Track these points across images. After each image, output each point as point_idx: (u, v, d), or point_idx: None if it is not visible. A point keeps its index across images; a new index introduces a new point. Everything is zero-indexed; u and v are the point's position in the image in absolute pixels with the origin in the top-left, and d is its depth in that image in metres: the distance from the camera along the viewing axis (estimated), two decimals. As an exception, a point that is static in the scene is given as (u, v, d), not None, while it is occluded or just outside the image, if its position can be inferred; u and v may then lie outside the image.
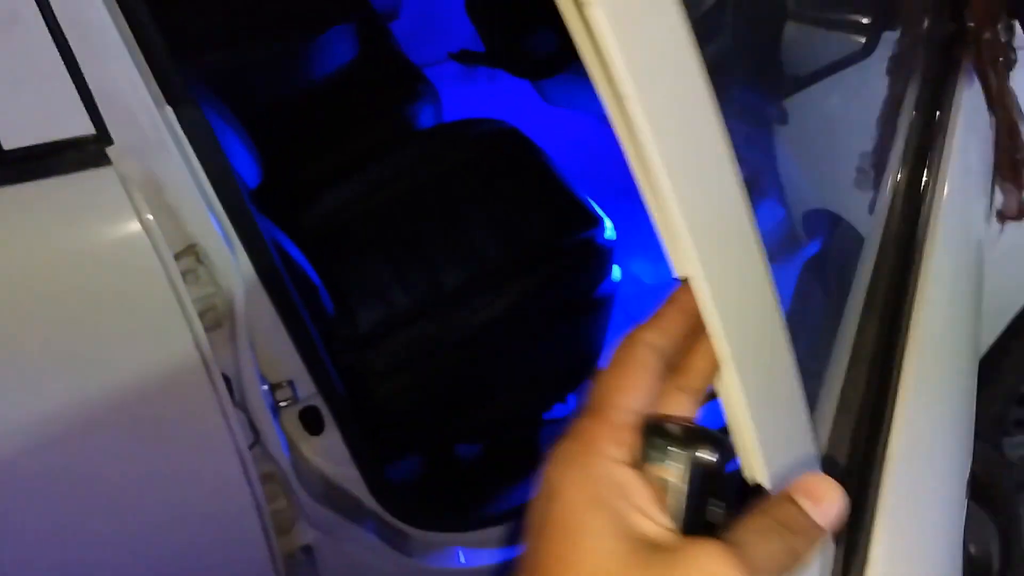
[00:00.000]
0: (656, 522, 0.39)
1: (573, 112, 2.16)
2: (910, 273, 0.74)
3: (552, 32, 1.40)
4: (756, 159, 1.17)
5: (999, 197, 0.97)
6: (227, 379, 0.95)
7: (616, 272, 1.45)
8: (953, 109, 0.88)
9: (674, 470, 0.40)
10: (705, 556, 0.38)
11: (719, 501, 0.40)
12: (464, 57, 1.79)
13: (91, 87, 0.79)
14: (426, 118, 1.79)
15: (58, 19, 0.77)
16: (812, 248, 1.19)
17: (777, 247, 1.17)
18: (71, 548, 0.94)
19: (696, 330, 0.42)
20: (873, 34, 1.00)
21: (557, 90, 1.79)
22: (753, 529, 0.39)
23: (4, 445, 0.84)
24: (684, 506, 0.39)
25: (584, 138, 2.13)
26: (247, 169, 1.40)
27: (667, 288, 0.43)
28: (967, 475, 0.72)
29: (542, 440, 1.58)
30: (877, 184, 0.86)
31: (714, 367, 0.43)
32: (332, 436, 1.12)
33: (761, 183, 1.18)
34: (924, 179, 0.82)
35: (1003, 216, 0.98)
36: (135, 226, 0.81)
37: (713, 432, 0.41)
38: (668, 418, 0.42)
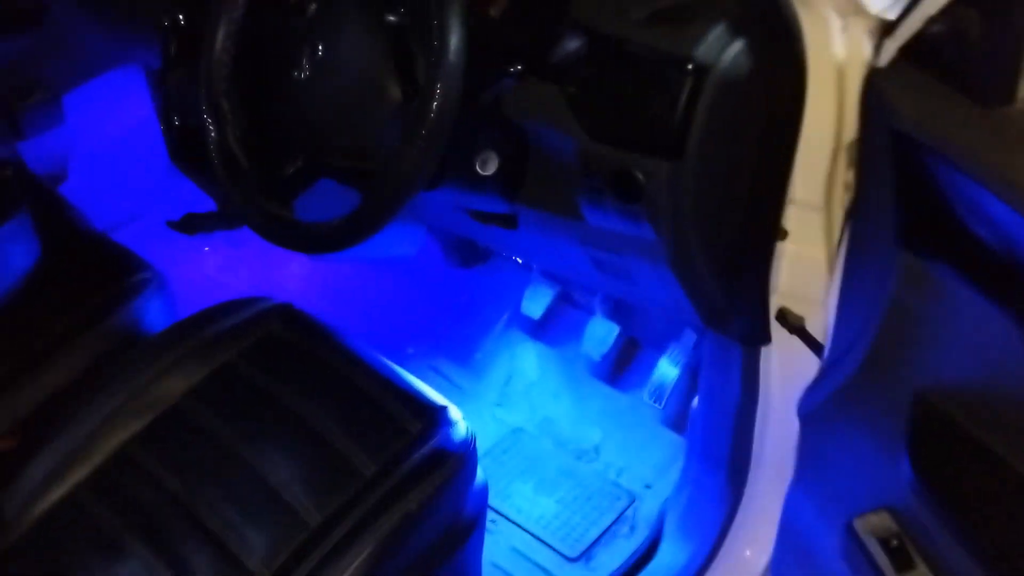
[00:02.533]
0: None
1: (343, 263, 1.79)
2: None
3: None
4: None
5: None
6: None
7: (480, 475, 1.09)
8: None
9: None
10: None
11: None
12: (191, 225, 1.35)
13: None
14: (156, 315, 1.33)
15: None
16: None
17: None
18: None
19: None
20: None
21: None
22: None
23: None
24: None
25: (377, 289, 1.76)
26: None
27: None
28: None
29: None
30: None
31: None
32: None
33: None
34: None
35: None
36: None
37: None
38: None
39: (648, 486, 1.47)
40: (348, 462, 1.04)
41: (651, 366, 1.53)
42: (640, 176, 0.93)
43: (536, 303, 1.62)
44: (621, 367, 1.59)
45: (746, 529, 1.27)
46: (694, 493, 1.32)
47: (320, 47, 0.96)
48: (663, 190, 0.93)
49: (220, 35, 1.03)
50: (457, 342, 1.73)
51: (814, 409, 1.01)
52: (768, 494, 1.24)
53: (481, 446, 1.61)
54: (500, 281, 1.74)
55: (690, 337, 1.47)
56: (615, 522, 1.42)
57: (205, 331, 1.22)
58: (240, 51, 1.05)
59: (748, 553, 1.25)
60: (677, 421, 1.50)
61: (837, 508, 0.97)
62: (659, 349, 1.52)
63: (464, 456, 1.05)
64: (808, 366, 1.16)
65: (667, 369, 1.47)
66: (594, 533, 1.40)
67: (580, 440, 1.56)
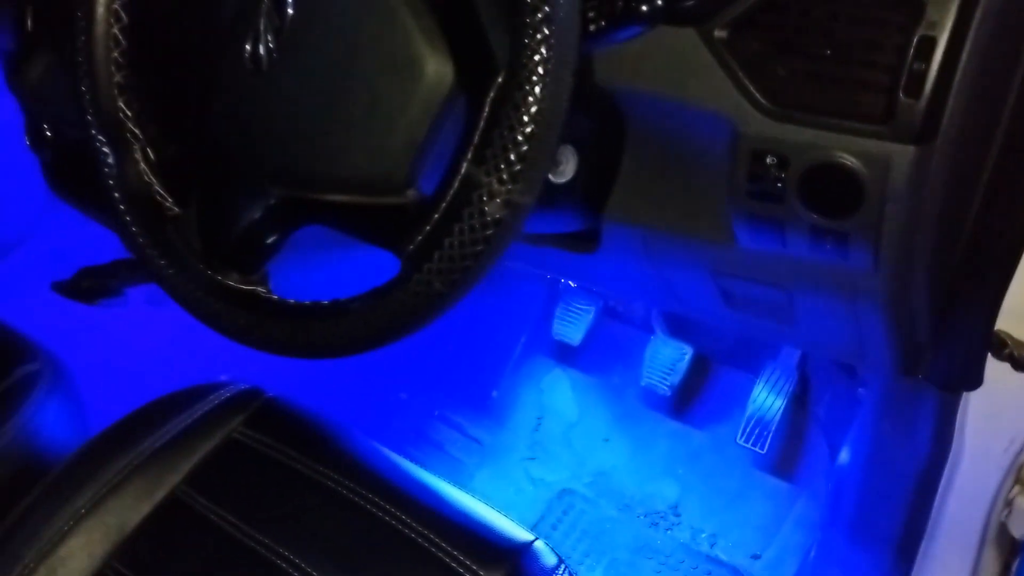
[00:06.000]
0: None
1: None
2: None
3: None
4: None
5: None
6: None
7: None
8: None
9: None
10: None
11: None
12: (89, 287, 0.91)
13: None
14: (56, 423, 0.90)
15: None
16: None
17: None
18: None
19: None
20: None
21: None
22: None
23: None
24: None
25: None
26: None
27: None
28: None
29: None
30: None
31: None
32: None
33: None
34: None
35: None
36: None
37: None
38: None
39: (755, 556, 1.12)
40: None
41: (737, 394, 1.17)
42: (864, 172, 0.56)
43: (574, 325, 1.23)
44: (692, 397, 1.23)
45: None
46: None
47: (290, 7, 0.54)
48: (903, 193, 0.56)
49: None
50: (464, 379, 1.34)
51: None
52: (945, 573, 0.92)
53: (520, 520, 1.24)
54: (510, 294, 1.35)
55: (791, 354, 1.12)
56: (726, 616, 1.07)
57: (133, 451, 0.82)
58: (139, 20, 0.63)
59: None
60: (780, 465, 1.16)
61: None
62: (748, 371, 1.16)
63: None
64: (1018, 410, 0.84)
65: (765, 399, 1.12)
66: (703, 637, 1.05)
67: (652, 499, 1.19)
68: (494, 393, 1.33)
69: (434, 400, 1.33)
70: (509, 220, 0.47)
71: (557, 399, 1.31)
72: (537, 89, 0.45)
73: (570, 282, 1.16)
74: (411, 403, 1.34)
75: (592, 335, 1.26)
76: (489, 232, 0.47)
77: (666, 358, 1.19)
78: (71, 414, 0.92)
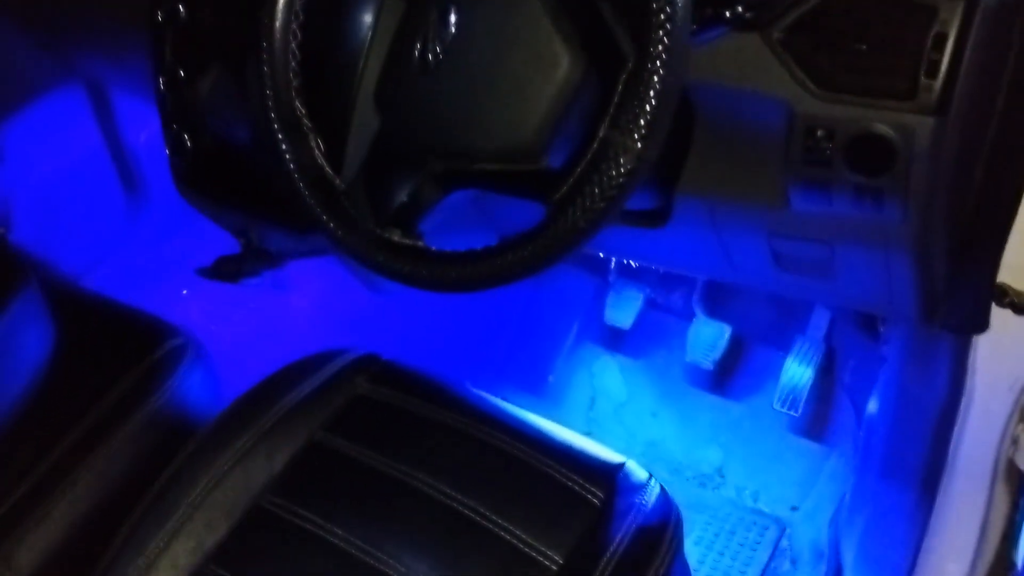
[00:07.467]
0: None
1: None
2: None
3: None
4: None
5: None
6: None
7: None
8: None
9: None
10: None
11: None
12: (230, 271, 1.06)
13: None
14: (200, 390, 1.05)
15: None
16: None
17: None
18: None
19: None
20: None
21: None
22: None
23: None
24: None
25: (409, 312, 1.49)
26: None
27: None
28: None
29: None
30: None
31: None
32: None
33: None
34: None
35: None
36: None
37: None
38: None
39: (794, 508, 1.26)
40: (521, 556, 0.79)
41: (771, 367, 1.32)
42: (895, 138, 0.72)
43: (624, 311, 1.39)
44: (730, 373, 1.38)
45: (943, 544, 1.09)
46: (875, 514, 1.12)
47: (453, 18, 0.70)
48: (925, 154, 0.72)
49: (280, 10, 0.77)
50: (523, 366, 1.49)
51: None
52: (963, 504, 1.06)
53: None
54: (561, 286, 1.50)
55: (818, 328, 1.27)
56: (772, 557, 1.21)
57: (272, 408, 0.95)
58: (311, 36, 0.79)
59: (951, 567, 1.07)
60: (812, 428, 1.30)
61: None
62: (779, 346, 1.32)
63: (676, 533, 0.81)
64: (1020, 352, 0.98)
65: (797, 369, 1.27)
66: (753, 575, 1.19)
67: (698, 463, 1.34)
68: (550, 378, 1.48)
69: (495, 387, 1.47)
70: (638, 170, 0.62)
71: (607, 381, 1.46)
72: (661, 70, 0.61)
73: (631, 262, 1.32)
74: (474, 390, 1.48)
75: (638, 322, 1.41)
76: (623, 180, 0.62)
77: (708, 336, 1.34)
78: (210, 382, 1.07)
